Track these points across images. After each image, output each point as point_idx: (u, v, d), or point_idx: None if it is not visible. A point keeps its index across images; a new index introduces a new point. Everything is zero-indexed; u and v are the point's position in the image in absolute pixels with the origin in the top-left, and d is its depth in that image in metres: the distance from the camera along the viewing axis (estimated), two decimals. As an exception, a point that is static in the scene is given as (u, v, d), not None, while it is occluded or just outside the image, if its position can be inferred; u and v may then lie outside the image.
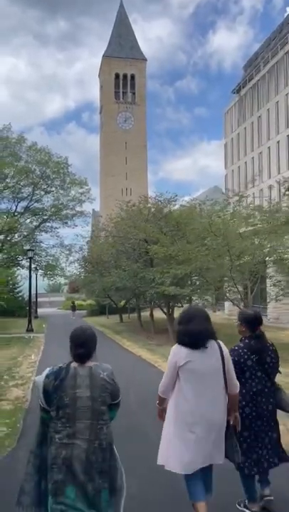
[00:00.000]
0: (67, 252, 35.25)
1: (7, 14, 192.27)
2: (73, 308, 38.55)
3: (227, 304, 26.52)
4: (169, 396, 3.20)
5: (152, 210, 20.91)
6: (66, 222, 36.39)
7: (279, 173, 40.03)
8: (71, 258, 34.22)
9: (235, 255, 14.47)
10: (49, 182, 35.34)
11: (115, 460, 2.85)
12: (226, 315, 25.81)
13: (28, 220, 36.60)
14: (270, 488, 3.65)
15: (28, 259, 27.16)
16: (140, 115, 75.95)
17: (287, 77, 41.72)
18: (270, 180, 42.07)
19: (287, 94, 41.23)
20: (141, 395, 7.33)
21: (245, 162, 48.80)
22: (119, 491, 2.83)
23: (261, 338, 3.66)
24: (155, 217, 20.22)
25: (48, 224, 36.71)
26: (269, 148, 43.90)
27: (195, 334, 3.09)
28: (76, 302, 42.33)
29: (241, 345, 3.62)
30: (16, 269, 35.75)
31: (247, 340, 3.64)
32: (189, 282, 18.55)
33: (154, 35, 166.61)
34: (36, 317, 34.15)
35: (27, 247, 29.07)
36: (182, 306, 18.90)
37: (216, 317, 20.59)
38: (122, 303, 32.89)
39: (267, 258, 15.74)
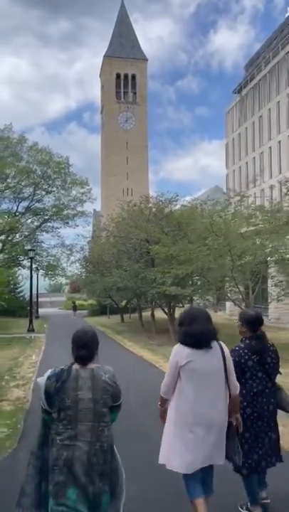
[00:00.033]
0: (69, 252, 35.29)
1: (9, 14, 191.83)
2: (74, 308, 38.64)
3: (228, 304, 26.48)
4: (171, 397, 3.20)
5: (153, 210, 20.92)
6: (67, 222, 36.45)
7: (280, 172, 39.96)
8: (72, 258, 34.29)
9: (236, 255, 14.46)
10: (50, 182, 35.38)
11: (116, 462, 2.84)
12: (227, 315, 25.76)
13: (29, 220, 36.70)
14: (266, 491, 3.66)
15: (29, 259, 27.16)
16: (141, 115, 76.00)
17: (289, 76, 41.64)
18: (271, 180, 41.98)
19: (288, 94, 41.15)
20: (142, 395, 7.32)
21: (247, 162, 48.72)
22: (119, 494, 2.83)
23: (262, 338, 3.66)
24: (156, 217, 20.22)
25: (49, 224, 36.80)
26: (270, 148, 43.83)
27: (197, 335, 3.09)
28: (77, 302, 42.41)
29: (242, 345, 3.62)
30: (17, 269, 35.85)
31: (248, 341, 3.64)
32: (190, 282, 18.56)
33: (155, 35, 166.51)
34: (37, 317, 34.18)
35: (28, 247, 29.05)
36: (183, 306, 18.91)
37: (217, 317, 20.53)
38: (123, 303, 32.91)
39: (268, 258, 15.72)
